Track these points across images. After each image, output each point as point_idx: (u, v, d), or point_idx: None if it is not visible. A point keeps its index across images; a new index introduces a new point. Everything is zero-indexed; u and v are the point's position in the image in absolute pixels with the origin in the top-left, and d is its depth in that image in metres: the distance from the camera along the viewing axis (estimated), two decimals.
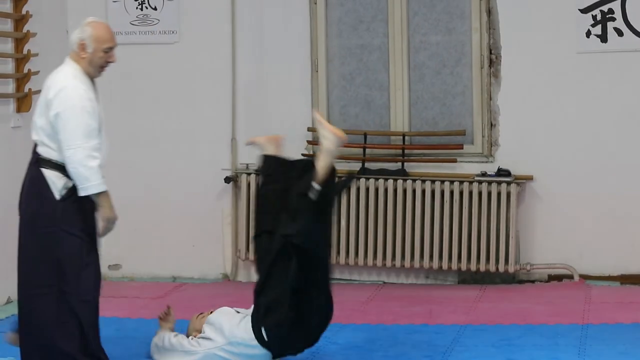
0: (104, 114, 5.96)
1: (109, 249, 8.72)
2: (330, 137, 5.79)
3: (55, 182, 5.70)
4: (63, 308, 5.74)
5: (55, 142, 5.65)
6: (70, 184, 5.68)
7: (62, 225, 5.70)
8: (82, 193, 5.65)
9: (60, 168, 5.67)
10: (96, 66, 5.81)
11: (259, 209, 6.15)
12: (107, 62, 5.84)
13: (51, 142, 5.67)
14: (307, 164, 5.92)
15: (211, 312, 6.10)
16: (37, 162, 5.72)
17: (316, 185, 5.58)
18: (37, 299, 5.86)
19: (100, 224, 5.75)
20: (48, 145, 5.69)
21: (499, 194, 8.14)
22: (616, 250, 8.12)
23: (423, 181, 8.23)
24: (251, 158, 8.51)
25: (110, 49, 5.81)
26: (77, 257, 5.73)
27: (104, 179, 5.70)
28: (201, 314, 6.19)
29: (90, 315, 5.83)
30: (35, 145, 5.76)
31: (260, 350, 5.75)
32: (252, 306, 5.86)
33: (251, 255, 8.43)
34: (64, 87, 5.65)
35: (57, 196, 5.70)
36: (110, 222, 5.75)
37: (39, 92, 8.02)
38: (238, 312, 6.00)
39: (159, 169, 8.66)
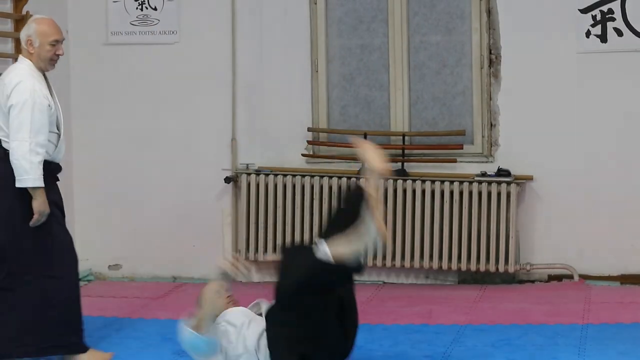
0: (62, 112, 6.08)
1: (109, 249, 8.74)
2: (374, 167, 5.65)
3: None
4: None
5: None
6: None
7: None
8: (18, 184, 5.79)
9: None
10: (45, 60, 5.99)
11: None
12: (56, 55, 6.02)
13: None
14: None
15: (231, 301, 5.88)
16: (5, 156, 5.86)
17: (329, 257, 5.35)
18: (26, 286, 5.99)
19: (34, 216, 5.87)
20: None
21: (498, 194, 8.14)
22: (616, 250, 8.12)
23: (423, 181, 8.23)
24: (251, 158, 8.54)
25: (57, 41, 6.00)
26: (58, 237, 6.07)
27: (42, 176, 5.81)
28: (221, 292, 5.86)
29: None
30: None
31: None
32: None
33: (251, 256, 8.43)
34: (19, 81, 5.84)
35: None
36: (42, 215, 5.88)
37: None
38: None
39: (159, 169, 8.67)
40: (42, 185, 5.82)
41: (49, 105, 5.90)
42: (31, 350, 5.97)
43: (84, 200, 8.74)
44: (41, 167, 5.82)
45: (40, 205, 5.84)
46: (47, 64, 6.01)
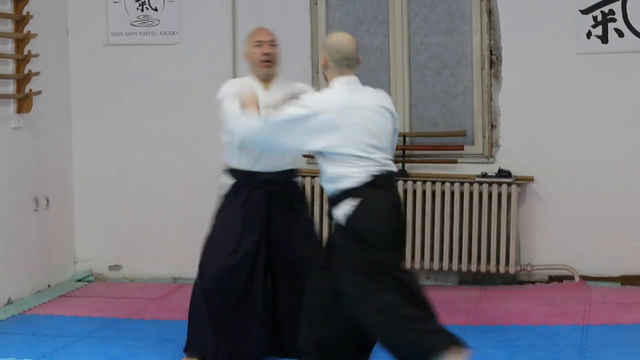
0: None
1: (109, 250, 8.75)
2: None
3: None
4: None
5: None
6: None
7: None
8: None
9: None
10: None
11: None
12: None
13: None
14: None
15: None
16: None
17: None
18: None
19: None
20: None
21: (499, 195, 8.14)
22: (616, 252, 8.12)
23: (423, 182, 8.23)
24: None
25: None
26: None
27: None
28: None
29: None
30: None
31: None
32: None
33: None
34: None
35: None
36: None
37: (39, 92, 8.10)
38: None
39: (159, 170, 8.66)
40: None
41: None
42: None
43: (84, 201, 8.74)
44: None
45: None
46: (258, 67, 6.16)
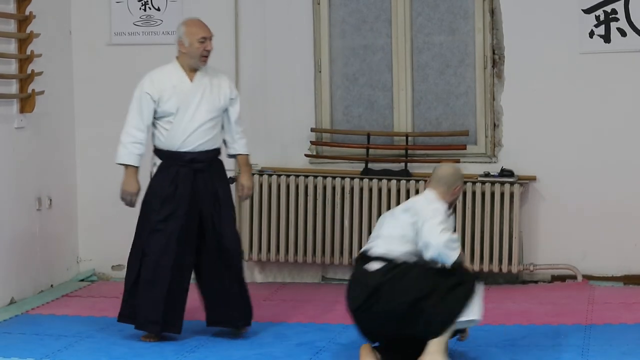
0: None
1: (112, 250, 8.74)
2: None
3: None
4: None
5: None
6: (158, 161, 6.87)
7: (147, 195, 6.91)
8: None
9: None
10: (196, 57, 6.66)
11: None
12: (206, 51, 6.66)
13: None
14: None
15: None
16: None
17: None
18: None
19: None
20: None
21: (502, 194, 8.14)
22: (619, 251, 8.12)
23: (426, 182, 8.21)
24: (255, 159, 8.52)
25: (205, 38, 6.64)
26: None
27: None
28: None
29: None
30: None
31: None
32: None
33: (254, 256, 8.43)
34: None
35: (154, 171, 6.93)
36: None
37: (42, 92, 8.10)
38: None
39: None
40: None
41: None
42: None
43: (87, 201, 8.75)
44: None
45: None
46: (198, 60, 6.63)
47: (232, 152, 6.93)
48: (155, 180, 6.78)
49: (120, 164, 6.80)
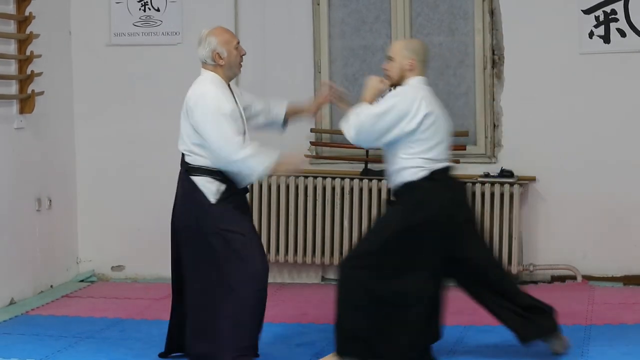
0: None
1: (112, 250, 8.75)
2: None
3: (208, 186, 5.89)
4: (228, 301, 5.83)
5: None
6: (222, 187, 5.89)
7: (221, 225, 5.84)
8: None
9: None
10: (236, 65, 6.11)
11: None
12: (241, 57, 6.12)
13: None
14: None
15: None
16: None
17: None
18: (205, 298, 5.90)
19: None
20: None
21: (501, 195, 8.14)
22: (619, 251, 8.12)
23: None
24: None
25: (238, 43, 6.10)
26: (233, 251, 5.83)
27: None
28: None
29: (241, 307, 5.84)
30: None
31: None
32: None
33: None
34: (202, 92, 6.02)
35: (213, 200, 5.87)
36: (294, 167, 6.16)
37: (42, 93, 8.10)
38: None
39: (162, 170, 8.64)
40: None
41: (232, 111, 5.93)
42: None
43: (87, 201, 8.75)
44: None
45: (287, 167, 6.07)
46: (237, 69, 6.09)
47: (279, 108, 6.43)
48: (229, 207, 5.97)
49: (269, 166, 5.92)
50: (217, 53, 5.97)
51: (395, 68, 6.05)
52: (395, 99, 5.91)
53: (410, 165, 5.87)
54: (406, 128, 5.83)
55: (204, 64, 6.04)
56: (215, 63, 5.99)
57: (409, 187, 5.89)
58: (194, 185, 5.92)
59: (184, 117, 6.15)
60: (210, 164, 5.92)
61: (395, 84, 6.06)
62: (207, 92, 5.93)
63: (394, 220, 5.90)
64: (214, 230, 5.82)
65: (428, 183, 5.86)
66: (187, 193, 5.98)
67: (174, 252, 6.10)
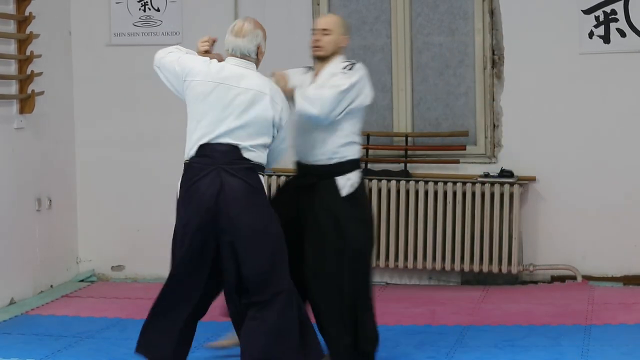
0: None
1: (112, 250, 8.75)
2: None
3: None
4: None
5: None
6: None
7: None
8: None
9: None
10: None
11: None
12: None
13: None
14: None
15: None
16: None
17: None
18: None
19: None
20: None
21: (501, 195, 8.14)
22: (619, 251, 8.12)
23: (426, 182, 8.23)
24: None
25: None
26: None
27: None
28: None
29: None
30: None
31: None
32: None
33: None
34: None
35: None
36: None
37: (42, 93, 8.09)
38: None
39: (162, 170, 8.65)
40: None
41: None
42: None
43: (87, 201, 8.75)
44: None
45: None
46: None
47: None
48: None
49: None
50: (261, 48, 5.80)
51: (331, 42, 6.01)
52: (356, 75, 6.01)
53: (356, 141, 5.98)
54: (364, 102, 5.99)
55: (244, 56, 5.75)
56: (256, 58, 5.77)
57: (353, 164, 5.92)
58: (261, 184, 5.74)
59: (262, 110, 5.71)
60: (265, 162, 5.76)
61: (321, 58, 6.03)
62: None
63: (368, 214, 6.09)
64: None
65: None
66: (253, 191, 5.72)
67: (208, 252, 5.66)
